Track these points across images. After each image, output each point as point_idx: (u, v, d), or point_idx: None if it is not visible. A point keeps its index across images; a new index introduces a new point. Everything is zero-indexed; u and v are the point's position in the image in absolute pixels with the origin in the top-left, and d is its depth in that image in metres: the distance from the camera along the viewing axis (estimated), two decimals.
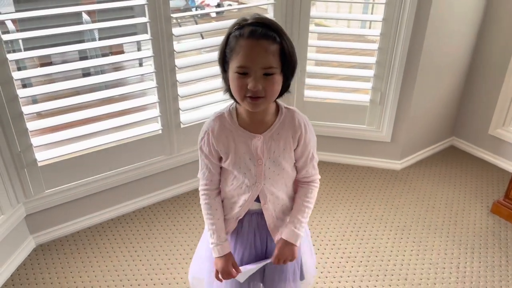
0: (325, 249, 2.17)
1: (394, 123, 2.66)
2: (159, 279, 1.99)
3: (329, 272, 2.03)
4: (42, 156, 2.04)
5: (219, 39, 1.12)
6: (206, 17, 6.21)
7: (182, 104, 2.32)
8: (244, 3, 6.57)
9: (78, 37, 3.15)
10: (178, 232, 2.27)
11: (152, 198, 2.47)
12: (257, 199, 1.25)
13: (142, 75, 2.54)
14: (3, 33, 1.77)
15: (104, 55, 3.48)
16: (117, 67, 3.49)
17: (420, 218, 2.39)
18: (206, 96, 2.43)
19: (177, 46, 2.17)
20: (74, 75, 2.62)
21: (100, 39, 3.07)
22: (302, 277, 1.45)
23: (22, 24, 3.11)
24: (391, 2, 2.32)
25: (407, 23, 2.33)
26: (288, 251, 1.27)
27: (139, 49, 3.73)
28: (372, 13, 5.16)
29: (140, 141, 2.29)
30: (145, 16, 2.04)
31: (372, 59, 2.54)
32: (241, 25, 1.06)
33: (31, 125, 1.96)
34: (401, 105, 2.59)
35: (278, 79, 1.07)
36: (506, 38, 2.60)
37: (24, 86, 2.94)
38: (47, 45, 1.99)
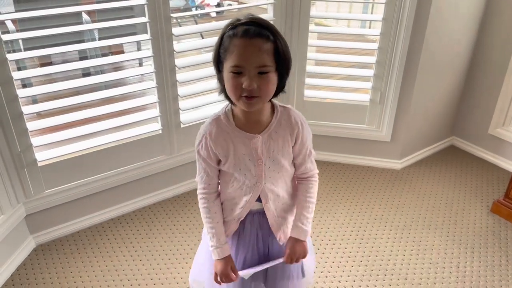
0: (325, 248, 2.17)
1: (394, 123, 2.66)
2: (159, 278, 1.99)
3: (329, 272, 2.03)
4: (42, 156, 2.04)
5: None
6: (206, 17, 6.21)
7: (182, 104, 2.32)
8: (244, 3, 6.57)
9: (78, 37, 3.15)
10: (178, 232, 2.27)
11: (152, 198, 2.47)
12: (258, 199, 1.25)
13: (142, 75, 2.55)
14: (3, 33, 1.77)
15: (104, 55, 3.48)
16: (117, 67, 3.49)
17: (420, 218, 2.39)
18: (206, 96, 2.43)
19: (177, 46, 2.17)
20: (74, 75, 2.62)
21: (100, 39, 3.07)
22: (303, 275, 1.45)
23: (22, 24, 3.11)
24: (391, 1, 2.32)
25: (407, 23, 2.33)
26: (299, 248, 1.28)
27: (139, 49, 3.73)
28: (372, 13, 5.17)
29: (140, 141, 2.29)
30: (145, 16, 2.04)
31: (372, 59, 2.54)
32: (234, 25, 1.06)
33: (31, 125, 1.96)
34: (401, 104, 2.60)
35: (273, 78, 1.07)
36: (506, 37, 2.60)
37: (24, 86, 2.95)
38: (47, 45, 1.99)
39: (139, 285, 1.96)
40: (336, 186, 2.64)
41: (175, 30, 2.13)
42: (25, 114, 1.91)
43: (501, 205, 2.38)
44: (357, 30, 3.01)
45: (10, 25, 3.03)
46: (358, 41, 2.81)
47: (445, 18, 2.41)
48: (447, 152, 3.03)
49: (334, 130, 2.77)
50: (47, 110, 2.02)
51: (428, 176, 2.76)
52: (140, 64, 3.56)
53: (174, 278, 1.99)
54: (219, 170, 1.25)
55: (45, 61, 3.26)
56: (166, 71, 2.18)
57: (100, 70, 3.05)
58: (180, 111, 2.33)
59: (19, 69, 3.06)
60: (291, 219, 1.33)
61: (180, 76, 2.24)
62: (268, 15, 2.42)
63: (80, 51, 2.87)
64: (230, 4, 6.61)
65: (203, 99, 2.42)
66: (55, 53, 1.97)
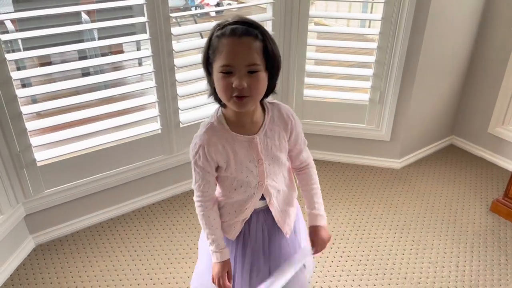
0: None
1: (394, 122, 2.66)
2: (158, 278, 1.99)
3: (328, 271, 2.03)
4: (42, 156, 2.04)
5: None
6: (205, 16, 6.21)
7: (181, 103, 2.32)
8: (243, 2, 6.57)
9: (77, 37, 3.15)
10: (178, 232, 2.27)
11: (152, 198, 2.47)
12: (261, 197, 1.26)
13: (141, 74, 2.55)
14: (2, 33, 1.77)
15: (103, 55, 3.48)
16: (116, 67, 3.49)
17: (420, 217, 2.39)
18: (205, 96, 2.41)
19: (176, 45, 2.17)
20: (74, 74, 2.62)
21: (99, 39, 3.07)
22: (304, 266, 1.46)
23: (21, 24, 3.10)
24: (390, 1, 2.32)
25: (406, 22, 2.33)
26: (324, 233, 1.32)
27: (138, 49, 3.73)
28: (371, 12, 5.17)
29: (140, 141, 2.29)
30: (144, 16, 2.04)
31: (371, 58, 2.54)
32: (222, 26, 1.06)
33: (30, 125, 1.96)
34: (400, 104, 2.60)
35: (263, 77, 1.07)
36: (505, 36, 2.60)
37: (24, 86, 2.94)
38: (46, 45, 1.99)
39: (138, 284, 1.96)
40: (336, 185, 2.64)
41: (174, 30, 2.13)
42: (24, 114, 1.91)
43: (500, 204, 2.38)
44: (356, 30, 3.02)
45: (9, 25, 3.02)
46: (357, 41, 2.81)
47: (445, 17, 2.41)
48: (446, 151, 3.03)
49: (333, 130, 2.77)
50: (46, 110, 2.01)
51: (427, 175, 2.76)
52: (140, 64, 3.56)
53: (173, 278, 2.00)
54: (218, 177, 1.24)
55: (45, 61, 3.26)
56: (165, 71, 2.18)
57: (99, 70, 3.05)
58: (180, 111, 2.33)
59: (18, 69, 3.06)
60: (291, 210, 1.35)
61: (179, 75, 2.24)
62: (267, 15, 2.42)
63: (79, 51, 2.86)
64: (229, 4, 6.61)
65: (203, 99, 2.42)
66: (55, 53, 1.97)
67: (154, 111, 2.28)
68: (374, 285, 1.97)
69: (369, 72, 2.59)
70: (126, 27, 2.24)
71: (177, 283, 1.97)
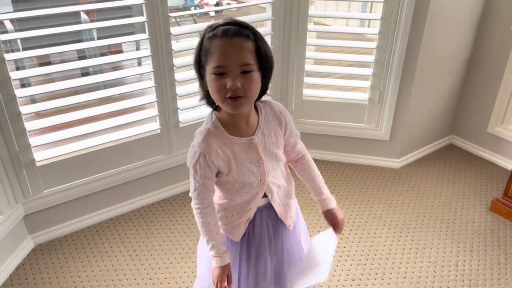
0: None
1: (393, 122, 2.66)
2: (158, 278, 1.99)
3: None
4: (41, 156, 2.04)
5: None
6: (205, 16, 6.21)
7: (180, 103, 2.32)
8: (242, 2, 6.57)
9: (77, 37, 3.15)
10: (177, 232, 2.27)
11: (151, 198, 2.47)
12: (263, 195, 1.26)
13: (140, 74, 2.54)
14: (2, 32, 1.77)
15: (102, 55, 3.48)
16: (115, 67, 3.49)
17: (419, 216, 2.39)
18: None
19: (175, 45, 2.16)
20: (73, 74, 2.61)
21: (98, 38, 3.07)
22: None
23: (20, 24, 3.10)
24: (390, 0, 2.32)
25: (405, 22, 2.33)
26: (338, 214, 1.37)
27: (138, 49, 3.72)
28: (370, 12, 5.17)
29: (139, 141, 2.29)
30: (143, 16, 2.04)
31: (371, 58, 2.53)
32: (213, 28, 1.05)
33: (29, 125, 1.96)
34: (399, 103, 2.59)
35: (257, 77, 1.06)
36: (504, 36, 2.60)
37: (23, 85, 2.94)
38: (46, 44, 1.99)
39: (138, 284, 1.96)
40: (335, 185, 2.64)
41: (174, 30, 2.13)
42: (23, 114, 1.91)
43: (499, 203, 2.38)
44: (355, 29, 3.02)
45: (9, 25, 3.02)
46: (356, 40, 2.81)
47: (444, 16, 2.41)
48: (446, 150, 3.03)
49: (333, 129, 2.77)
50: (45, 110, 2.01)
51: (427, 174, 2.76)
52: (139, 64, 3.56)
53: (173, 278, 1.99)
54: (218, 182, 1.24)
55: (44, 61, 3.26)
56: (165, 71, 2.18)
57: (98, 69, 3.05)
58: (179, 111, 2.33)
59: (17, 68, 3.06)
60: (291, 202, 1.36)
61: (178, 75, 2.24)
62: (266, 14, 2.42)
63: (78, 51, 2.86)
64: (229, 3, 6.61)
65: None
66: (54, 53, 1.96)
67: (153, 111, 2.28)
68: (374, 284, 1.97)
69: (369, 71, 2.58)
70: (125, 27, 2.23)
71: (176, 283, 1.97)
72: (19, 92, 1.88)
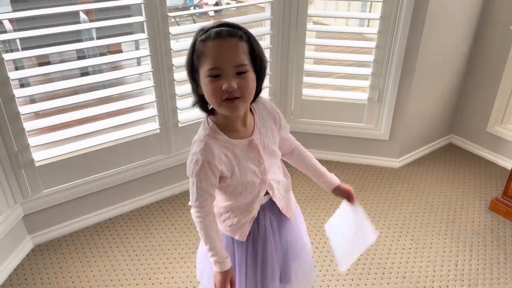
0: (323, 247, 2.17)
1: (392, 121, 2.66)
2: (157, 278, 1.99)
3: (327, 271, 2.03)
4: (40, 156, 2.04)
5: None
6: (204, 15, 6.21)
7: (179, 103, 2.32)
8: (241, 1, 6.56)
9: (76, 37, 3.15)
10: (177, 231, 2.27)
11: (150, 198, 2.47)
12: (265, 192, 1.27)
13: (140, 74, 2.55)
14: (0, 32, 1.77)
15: (102, 55, 3.48)
16: (115, 66, 3.49)
17: (419, 216, 2.39)
18: None
19: (174, 45, 2.16)
20: (72, 74, 2.61)
21: (98, 38, 3.07)
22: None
23: (19, 24, 3.10)
24: (389, 0, 2.31)
25: (405, 21, 2.33)
26: (346, 186, 1.41)
27: (137, 49, 3.72)
28: (370, 11, 5.16)
29: (138, 141, 2.28)
30: (141, 15, 2.04)
31: (370, 57, 2.53)
32: (205, 30, 1.05)
33: (28, 125, 1.96)
34: (399, 103, 2.59)
35: (252, 77, 1.06)
36: (503, 35, 2.60)
37: (22, 85, 2.94)
38: (45, 44, 1.99)
39: (137, 284, 1.96)
40: None
41: (172, 29, 2.13)
42: (22, 114, 1.90)
43: (499, 203, 2.38)
44: (355, 29, 3.02)
45: (8, 25, 3.02)
46: (356, 40, 2.81)
47: (443, 16, 2.41)
48: (445, 150, 3.03)
49: (332, 129, 2.77)
50: (44, 110, 2.01)
51: (426, 174, 2.76)
52: (139, 64, 3.56)
53: (172, 278, 1.99)
54: (220, 187, 1.23)
55: (43, 61, 3.26)
56: (164, 70, 2.17)
57: (98, 69, 3.05)
58: (178, 110, 2.32)
59: (17, 68, 3.06)
60: (290, 195, 1.37)
61: (177, 75, 2.24)
62: (265, 14, 2.42)
63: (78, 51, 2.86)
64: (228, 3, 6.61)
65: None
66: (53, 53, 1.96)
67: (153, 111, 2.28)
68: (373, 284, 1.97)
69: (368, 71, 2.58)
70: (124, 26, 2.23)
71: (176, 282, 1.97)
72: (18, 92, 1.88)
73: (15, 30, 3.00)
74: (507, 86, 2.67)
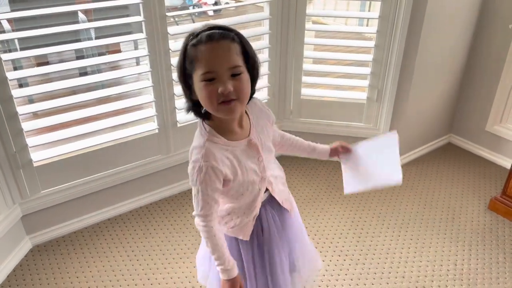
0: (322, 247, 2.17)
1: (391, 121, 2.66)
2: (156, 278, 1.99)
3: (326, 270, 2.03)
4: (38, 156, 2.04)
5: None
6: (203, 15, 6.21)
7: (178, 103, 2.31)
8: (240, 1, 6.56)
9: (75, 37, 3.14)
10: (176, 232, 2.26)
11: (149, 198, 2.47)
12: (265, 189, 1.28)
13: (138, 74, 2.54)
14: None
15: (100, 55, 3.47)
16: (114, 66, 3.49)
17: (418, 216, 2.39)
18: None
19: (173, 44, 2.16)
20: (71, 74, 2.61)
21: (96, 38, 3.06)
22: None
23: (18, 24, 3.09)
24: None
25: (403, 20, 2.33)
26: (335, 146, 1.42)
27: (136, 48, 3.71)
28: (369, 11, 5.16)
29: (137, 141, 2.28)
30: (140, 15, 2.04)
31: (369, 57, 2.53)
32: (196, 34, 1.03)
33: (27, 125, 1.95)
34: (398, 102, 2.59)
35: (247, 79, 1.06)
36: (503, 35, 2.60)
37: (21, 86, 2.94)
38: (43, 44, 1.99)
39: (136, 285, 1.95)
40: (334, 184, 2.63)
41: (171, 29, 2.13)
42: (20, 114, 1.90)
43: (498, 202, 2.38)
44: (354, 28, 3.02)
45: (6, 25, 3.02)
46: (355, 39, 2.81)
47: (442, 15, 2.41)
48: (444, 149, 3.03)
49: (331, 129, 2.77)
50: (42, 110, 2.01)
51: (425, 173, 2.76)
52: (137, 63, 3.56)
53: (171, 278, 1.99)
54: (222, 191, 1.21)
55: (42, 61, 3.25)
56: (162, 70, 2.17)
57: (96, 69, 3.04)
58: (177, 110, 2.32)
59: (15, 68, 3.05)
60: (286, 187, 1.38)
61: (176, 75, 2.23)
62: (264, 13, 2.42)
63: (76, 51, 2.86)
64: (227, 3, 6.60)
65: None
66: (52, 53, 1.96)
67: (151, 111, 2.28)
68: (373, 284, 1.97)
69: (367, 70, 2.58)
70: (123, 26, 2.23)
71: (174, 283, 1.96)
72: (16, 92, 1.88)
73: (13, 30, 3.00)
74: (506, 85, 2.67)
